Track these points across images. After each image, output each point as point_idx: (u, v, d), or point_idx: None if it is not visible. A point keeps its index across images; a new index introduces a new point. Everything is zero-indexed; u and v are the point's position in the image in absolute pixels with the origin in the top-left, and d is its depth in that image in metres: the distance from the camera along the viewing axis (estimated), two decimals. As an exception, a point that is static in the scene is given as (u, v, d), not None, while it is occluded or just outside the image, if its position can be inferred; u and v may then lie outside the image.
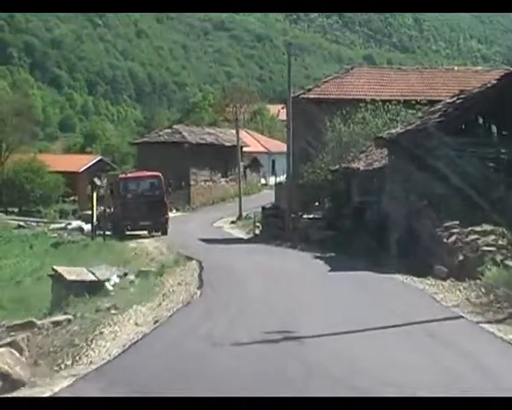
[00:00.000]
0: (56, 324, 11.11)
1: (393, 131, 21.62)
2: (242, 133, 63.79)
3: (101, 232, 33.39)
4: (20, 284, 20.54)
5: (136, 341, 9.84)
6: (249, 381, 7.73)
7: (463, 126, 19.99)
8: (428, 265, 15.77)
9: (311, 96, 31.19)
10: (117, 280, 15.35)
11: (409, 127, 20.23)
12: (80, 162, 60.78)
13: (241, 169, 58.23)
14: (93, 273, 15.54)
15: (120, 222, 32.51)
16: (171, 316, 11.38)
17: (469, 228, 16.26)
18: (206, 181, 53.96)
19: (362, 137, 27.34)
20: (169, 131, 53.46)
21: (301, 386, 7.41)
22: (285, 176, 33.11)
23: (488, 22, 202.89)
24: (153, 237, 32.88)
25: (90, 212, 36.34)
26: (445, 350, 9.01)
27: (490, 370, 8.04)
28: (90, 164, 60.06)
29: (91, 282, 15.15)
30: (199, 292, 14.04)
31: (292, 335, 9.60)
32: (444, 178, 18.14)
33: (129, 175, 34.99)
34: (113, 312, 11.96)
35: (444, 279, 14.82)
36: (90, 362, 8.94)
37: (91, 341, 9.91)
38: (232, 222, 41.42)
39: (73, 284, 14.99)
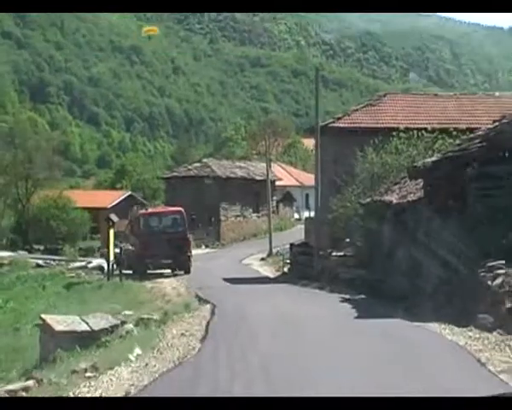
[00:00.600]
0: (14, 393, 9.23)
1: (429, 160, 19.55)
2: (275, 167, 62.34)
3: (122, 272, 32.07)
4: (18, 332, 18.84)
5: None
6: None
7: (507, 154, 17.81)
8: (470, 312, 13.57)
9: (341, 125, 29.22)
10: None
11: (446, 155, 18.13)
12: (109, 198, 59.76)
13: (274, 204, 56.67)
14: (86, 322, 13.72)
15: (140, 260, 30.76)
16: (149, 384, 9.38)
17: (517, 268, 14.06)
18: (236, 216, 52.28)
19: (395, 167, 25.26)
20: (198, 165, 51.98)
21: None
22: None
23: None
24: (176, 275, 31.08)
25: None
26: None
27: None
28: (119, 200, 58.92)
29: (83, 332, 13.33)
30: (198, 347, 12.10)
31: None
32: (486, 210, 16.02)
33: (149, 211, 33.22)
34: (88, 375, 10.04)
35: (489, 331, 12.58)
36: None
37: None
38: (262, 259, 39.72)
39: (62, 336, 13.17)
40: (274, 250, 40.13)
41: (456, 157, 17.08)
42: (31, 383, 9.82)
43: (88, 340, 13.35)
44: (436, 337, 12.73)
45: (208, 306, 18.47)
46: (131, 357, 11.13)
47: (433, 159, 18.52)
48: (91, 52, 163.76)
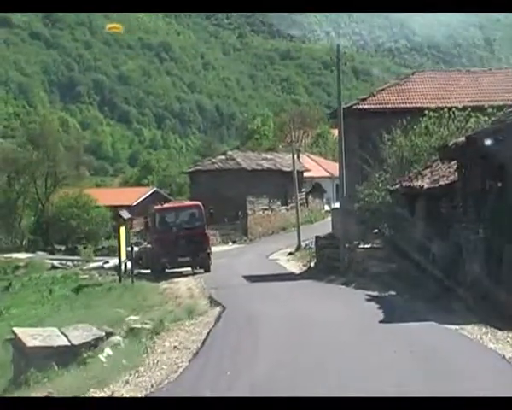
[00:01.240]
0: None
1: (462, 138, 17.31)
2: (304, 158, 60.06)
3: (139, 272, 30.36)
4: (8, 343, 16.98)
5: None
6: None
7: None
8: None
9: (366, 107, 26.95)
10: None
11: (481, 131, 15.88)
12: (134, 195, 58.10)
13: (303, 195, 54.41)
14: (65, 335, 11.84)
15: (157, 259, 28.88)
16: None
17: None
18: (264, 210, 50.16)
19: (425, 150, 22.94)
20: (223, 157, 49.87)
21: None
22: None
23: None
24: (195, 274, 29.16)
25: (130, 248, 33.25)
26: None
27: None
28: (144, 197, 57.26)
29: (60, 348, 11.46)
30: (184, 366, 10.08)
31: None
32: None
33: (165, 206, 31.12)
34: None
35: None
36: None
37: None
38: (290, 254, 37.66)
39: (36, 352, 11.29)
40: (303, 244, 38.03)
41: (493, 132, 14.80)
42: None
43: (67, 356, 11.48)
44: (478, 347, 10.45)
45: (217, 310, 16.49)
46: (103, 381, 9.16)
47: (467, 135, 16.25)
48: (120, 50, 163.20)
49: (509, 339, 10.50)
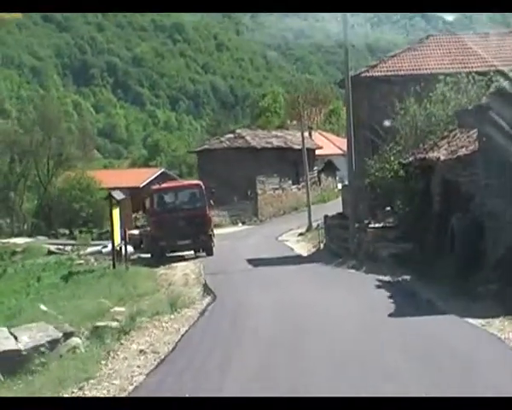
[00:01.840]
0: None
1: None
2: (316, 135, 57.85)
3: (140, 256, 28.67)
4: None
5: None
6: None
7: None
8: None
9: (376, 74, 24.79)
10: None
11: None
12: (142, 176, 56.26)
13: (315, 174, 52.32)
14: (15, 337, 9.99)
15: (155, 243, 27.04)
16: None
17: None
18: (275, 189, 48.12)
19: (441, 120, 20.82)
20: (231, 136, 47.82)
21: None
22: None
23: None
24: (197, 258, 27.32)
25: (133, 231, 31.48)
26: None
27: None
28: (152, 178, 55.41)
29: (6, 352, 9.61)
30: (139, 380, 8.13)
31: None
32: None
33: (163, 186, 29.14)
34: None
35: None
36: None
37: None
38: (300, 234, 35.83)
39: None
40: (314, 224, 36.10)
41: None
42: None
43: (16, 363, 9.63)
44: (504, 351, 8.41)
45: (207, 300, 14.59)
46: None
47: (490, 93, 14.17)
48: (133, 32, 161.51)
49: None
